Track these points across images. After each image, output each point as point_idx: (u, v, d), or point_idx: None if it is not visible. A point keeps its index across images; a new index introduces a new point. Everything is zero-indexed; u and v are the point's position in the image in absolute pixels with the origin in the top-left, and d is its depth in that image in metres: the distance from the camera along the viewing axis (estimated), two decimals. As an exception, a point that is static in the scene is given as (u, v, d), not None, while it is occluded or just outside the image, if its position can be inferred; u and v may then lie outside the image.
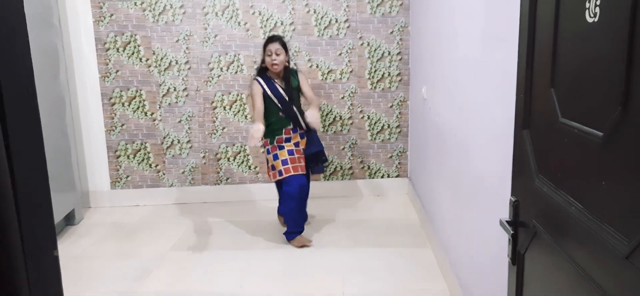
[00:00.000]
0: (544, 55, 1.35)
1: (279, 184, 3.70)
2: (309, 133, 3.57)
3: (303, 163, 3.52)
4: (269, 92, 3.41)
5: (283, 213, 3.59)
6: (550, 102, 1.31)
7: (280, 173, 3.47)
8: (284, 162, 3.46)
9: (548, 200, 1.33)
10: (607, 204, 1.07)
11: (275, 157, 3.48)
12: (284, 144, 3.48)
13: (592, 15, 1.09)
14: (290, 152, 3.48)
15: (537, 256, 1.46)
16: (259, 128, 3.32)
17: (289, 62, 3.49)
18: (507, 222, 1.60)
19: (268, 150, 3.53)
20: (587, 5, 1.10)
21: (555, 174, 1.32)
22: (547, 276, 1.40)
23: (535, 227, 1.44)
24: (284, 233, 3.63)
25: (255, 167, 4.46)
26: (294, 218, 3.53)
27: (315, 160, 3.64)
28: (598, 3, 1.06)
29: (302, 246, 3.54)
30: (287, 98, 3.43)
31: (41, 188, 0.67)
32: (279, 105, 3.43)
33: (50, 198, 0.69)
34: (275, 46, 3.37)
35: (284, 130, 3.48)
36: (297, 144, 3.52)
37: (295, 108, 3.47)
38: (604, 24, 1.05)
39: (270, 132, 3.48)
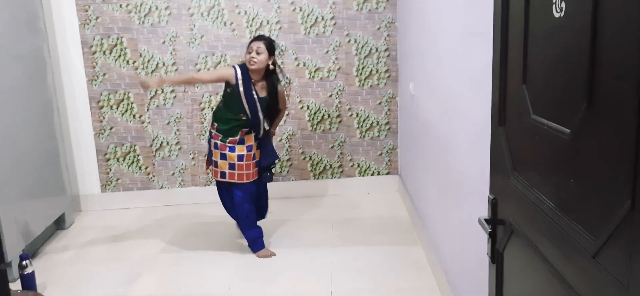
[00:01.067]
0: (516, 51, 1.33)
1: (219, 186, 3.49)
2: (264, 140, 3.42)
3: (252, 170, 3.33)
4: (241, 90, 3.19)
5: (237, 220, 3.48)
6: (522, 99, 1.30)
7: (222, 174, 3.30)
8: (231, 167, 3.28)
9: (522, 198, 1.32)
10: (575, 202, 1.05)
11: (223, 157, 3.28)
12: (236, 146, 3.28)
13: (558, 10, 1.07)
14: (240, 157, 3.27)
15: (515, 254, 1.45)
16: (159, 80, 3.25)
17: (273, 66, 3.26)
18: (485, 219, 1.58)
19: (216, 144, 3.29)
20: None
21: (528, 172, 1.30)
22: (524, 274, 1.39)
23: (512, 225, 1.43)
24: (249, 245, 3.48)
25: (246, 167, 4.44)
26: (248, 225, 3.40)
27: (266, 168, 3.51)
28: (563, -2, 1.05)
29: (265, 257, 3.41)
30: (259, 109, 3.26)
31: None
32: (247, 110, 3.22)
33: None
34: (257, 44, 3.19)
35: (240, 132, 3.28)
36: (250, 148, 3.31)
37: (261, 117, 3.29)
38: (569, 19, 1.04)
39: (225, 131, 3.26)
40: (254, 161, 3.35)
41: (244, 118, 3.25)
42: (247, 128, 3.29)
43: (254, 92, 3.23)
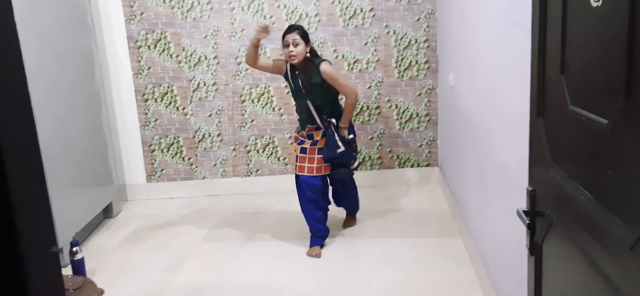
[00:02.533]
0: (554, 41, 1.32)
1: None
2: (328, 136, 3.28)
3: (314, 165, 3.31)
4: (290, 79, 3.31)
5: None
6: (560, 89, 1.28)
7: (295, 167, 3.41)
8: (296, 159, 3.38)
9: (561, 189, 1.31)
10: (613, 193, 1.04)
11: (295, 149, 3.42)
12: (305, 139, 3.36)
13: (596, 0, 1.06)
14: (303, 150, 3.34)
15: (553, 246, 1.43)
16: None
17: (310, 52, 3.26)
18: (524, 211, 1.57)
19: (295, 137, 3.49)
20: (592, -11, 1.07)
21: (567, 163, 1.29)
22: (563, 266, 1.37)
23: (550, 217, 1.41)
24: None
25: (284, 158, 4.50)
26: (309, 220, 3.42)
27: (338, 165, 3.35)
28: (602, -13, 1.03)
29: (311, 256, 3.37)
30: (303, 91, 3.26)
31: (37, 186, 0.71)
32: (295, 95, 3.34)
33: (47, 196, 0.72)
34: (292, 36, 3.15)
35: (307, 127, 3.35)
36: (315, 142, 3.32)
37: (310, 104, 3.25)
38: (606, 8, 1.02)
39: (300, 123, 3.43)
40: (319, 156, 3.30)
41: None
42: (312, 125, 3.33)
43: (297, 75, 3.28)
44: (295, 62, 3.19)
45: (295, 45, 3.15)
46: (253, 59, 3.23)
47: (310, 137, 3.35)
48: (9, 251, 0.68)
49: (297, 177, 3.42)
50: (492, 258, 2.65)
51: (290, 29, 3.19)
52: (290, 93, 3.41)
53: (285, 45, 3.18)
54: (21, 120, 0.72)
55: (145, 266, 3.37)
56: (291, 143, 4.43)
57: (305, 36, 3.20)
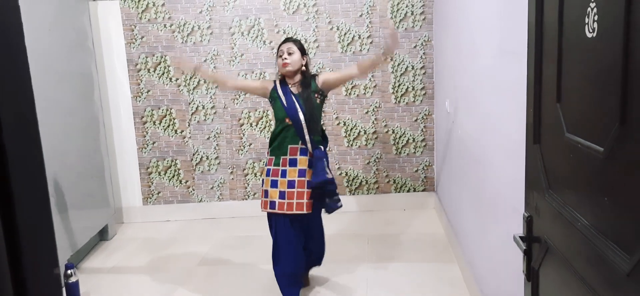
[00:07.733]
0: (550, 70, 1.34)
1: (270, 220, 3.01)
2: (315, 159, 2.86)
3: (305, 200, 2.84)
4: (280, 92, 2.88)
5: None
6: (556, 117, 1.31)
7: (272, 205, 2.86)
8: (282, 195, 2.85)
9: (557, 215, 1.32)
10: (609, 220, 1.06)
11: (274, 184, 2.87)
12: (287, 169, 2.86)
13: (591, 31, 1.09)
14: (291, 184, 2.84)
15: (550, 272, 1.44)
16: (194, 67, 3.04)
17: (306, 66, 2.95)
18: (520, 237, 1.58)
19: (268, 170, 2.91)
20: (586, 20, 1.10)
21: (563, 189, 1.31)
22: (559, 292, 1.38)
23: (547, 243, 1.42)
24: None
25: (282, 182, 4.51)
26: (286, 272, 2.95)
27: (325, 194, 2.90)
28: (596, 18, 1.06)
29: None
30: (298, 107, 2.84)
31: (42, 210, 0.72)
32: (285, 103, 2.85)
33: (51, 219, 0.73)
34: (286, 45, 2.88)
35: (289, 148, 2.86)
36: (303, 173, 2.85)
37: (303, 121, 2.83)
38: (601, 39, 1.05)
39: (275, 148, 2.89)
40: (308, 190, 2.85)
41: (288, 121, 2.84)
42: (296, 145, 2.86)
43: (290, 89, 2.90)
44: (288, 69, 2.87)
45: (290, 53, 2.87)
46: (227, 87, 3.03)
47: (293, 163, 2.87)
48: (13, 273, 0.69)
49: (276, 217, 2.92)
50: (488, 284, 2.65)
51: (285, 40, 2.96)
52: (272, 113, 3.04)
53: (279, 55, 2.90)
54: (29, 143, 0.73)
55: (141, 290, 3.35)
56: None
57: (301, 47, 2.94)
